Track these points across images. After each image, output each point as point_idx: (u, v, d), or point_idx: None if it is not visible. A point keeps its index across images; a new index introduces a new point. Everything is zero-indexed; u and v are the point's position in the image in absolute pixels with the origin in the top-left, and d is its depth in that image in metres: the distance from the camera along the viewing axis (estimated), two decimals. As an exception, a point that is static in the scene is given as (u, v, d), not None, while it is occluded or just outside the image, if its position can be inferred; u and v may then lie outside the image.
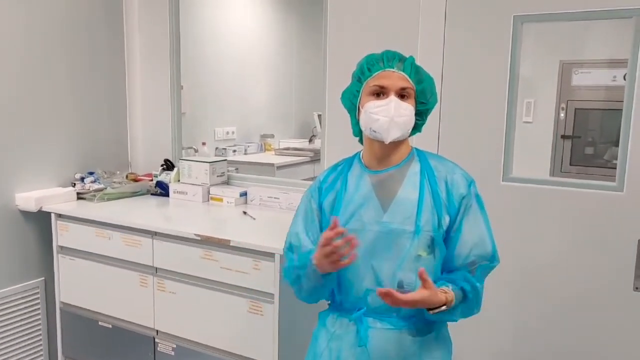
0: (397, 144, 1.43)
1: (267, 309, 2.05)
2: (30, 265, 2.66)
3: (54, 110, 2.71)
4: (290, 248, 1.53)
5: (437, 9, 2.22)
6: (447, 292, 1.36)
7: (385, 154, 1.45)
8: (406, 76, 1.40)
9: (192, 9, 3.32)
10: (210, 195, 2.75)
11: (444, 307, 1.35)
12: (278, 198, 2.62)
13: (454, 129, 2.24)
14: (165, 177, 2.90)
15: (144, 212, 2.59)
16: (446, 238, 1.43)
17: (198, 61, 3.53)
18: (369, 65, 1.42)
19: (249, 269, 2.07)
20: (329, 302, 1.57)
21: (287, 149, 4.30)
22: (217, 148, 3.83)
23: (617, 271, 2.02)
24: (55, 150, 2.74)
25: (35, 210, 2.55)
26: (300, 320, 2.03)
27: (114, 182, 2.84)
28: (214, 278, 2.16)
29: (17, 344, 2.61)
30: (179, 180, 2.85)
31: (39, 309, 2.70)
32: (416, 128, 1.47)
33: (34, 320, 2.68)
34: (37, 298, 2.69)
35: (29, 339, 2.67)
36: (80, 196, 2.70)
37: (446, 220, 1.42)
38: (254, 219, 2.43)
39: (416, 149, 1.52)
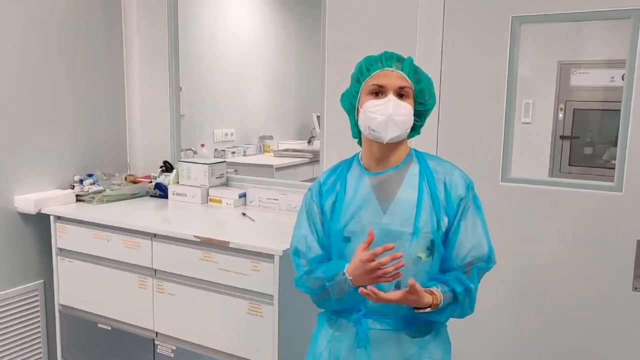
0: (395, 145, 1.43)
1: (266, 310, 2.05)
2: (29, 268, 2.66)
3: (53, 112, 2.71)
4: (296, 252, 1.52)
5: (435, 10, 2.22)
6: (434, 294, 1.35)
7: (384, 155, 1.45)
8: (404, 75, 1.40)
9: (190, 10, 3.32)
10: (209, 197, 2.75)
11: (428, 309, 1.35)
12: (277, 199, 2.62)
13: (452, 129, 2.25)
14: (164, 178, 2.90)
15: (143, 214, 2.58)
16: (444, 239, 1.43)
17: (197, 63, 3.53)
18: (367, 66, 1.43)
19: (248, 270, 2.07)
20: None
21: (286, 150, 4.30)
22: (216, 150, 3.83)
23: (616, 271, 2.02)
24: (54, 153, 2.74)
25: (34, 213, 2.55)
26: (300, 321, 2.03)
27: (113, 184, 2.84)
28: (213, 280, 2.16)
29: (16, 346, 2.61)
30: (178, 182, 2.86)
31: (38, 311, 2.69)
32: (415, 130, 1.47)
33: (33, 323, 2.68)
34: (37, 300, 2.69)
35: (28, 341, 2.66)
36: (79, 198, 2.70)
37: (445, 221, 1.42)
38: (253, 220, 2.43)
39: (415, 150, 1.52)
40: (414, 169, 1.46)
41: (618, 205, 2.00)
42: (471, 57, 2.19)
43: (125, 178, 2.96)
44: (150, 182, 2.94)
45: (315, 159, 3.78)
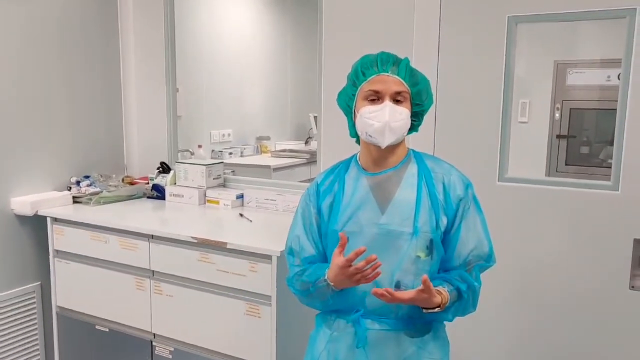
0: (393, 145, 1.44)
1: (264, 311, 2.05)
2: (26, 270, 2.66)
3: (49, 114, 2.70)
4: (291, 252, 1.54)
5: (431, 9, 2.23)
6: (442, 293, 1.36)
7: (381, 155, 1.45)
8: (401, 80, 1.40)
9: (187, 11, 3.32)
10: (206, 198, 2.75)
11: (437, 309, 1.36)
12: (274, 200, 2.61)
13: (449, 129, 2.25)
14: (161, 180, 2.90)
15: (140, 215, 2.58)
16: (444, 239, 1.44)
17: (194, 64, 3.52)
18: (363, 69, 1.43)
19: (245, 271, 2.07)
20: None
21: (283, 151, 4.30)
22: (213, 150, 3.82)
23: (614, 270, 2.03)
24: (51, 154, 2.73)
25: (31, 214, 2.55)
26: (298, 322, 2.03)
27: (110, 186, 2.83)
28: (211, 280, 2.16)
29: (13, 349, 2.60)
30: (175, 183, 2.85)
31: (35, 313, 2.69)
32: (412, 128, 1.47)
33: (30, 325, 2.67)
34: (34, 302, 2.68)
35: (25, 343, 2.66)
36: (76, 200, 2.69)
37: (444, 221, 1.42)
38: (251, 221, 2.43)
39: (413, 150, 1.52)
40: (412, 169, 1.46)
41: (615, 204, 2.00)
42: (468, 57, 2.20)
43: (122, 179, 2.95)
44: (147, 183, 2.94)
45: (312, 159, 3.78)
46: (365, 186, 1.46)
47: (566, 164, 2.70)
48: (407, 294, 1.31)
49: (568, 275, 2.11)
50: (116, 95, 3.06)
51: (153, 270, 2.31)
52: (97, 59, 2.92)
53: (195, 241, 2.15)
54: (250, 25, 4.28)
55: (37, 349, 2.72)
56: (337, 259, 1.33)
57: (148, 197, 2.89)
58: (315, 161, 2.60)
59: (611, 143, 2.03)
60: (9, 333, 2.58)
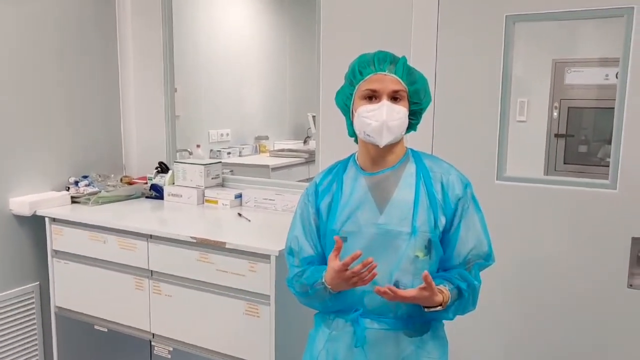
0: (391, 145, 1.44)
1: (263, 310, 2.05)
2: (25, 270, 2.65)
3: (47, 114, 2.70)
4: (290, 252, 1.54)
5: (429, 9, 2.23)
6: (443, 292, 1.36)
7: (380, 155, 1.45)
8: (398, 79, 1.40)
9: (185, 11, 3.32)
10: (205, 198, 2.75)
11: (439, 308, 1.36)
12: (273, 200, 2.61)
13: (447, 128, 2.25)
14: (159, 180, 2.89)
15: (139, 215, 2.58)
16: (443, 239, 1.44)
17: (192, 63, 3.52)
18: (360, 68, 1.43)
19: (245, 271, 2.07)
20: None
21: (282, 150, 4.30)
22: (211, 150, 3.82)
23: (612, 269, 2.03)
24: (49, 154, 2.73)
25: (29, 215, 2.54)
26: (297, 321, 2.03)
27: (108, 186, 2.83)
28: (210, 280, 2.16)
29: (12, 349, 2.60)
30: (173, 183, 2.85)
31: (34, 313, 2.68)
32: (410, 127, 1.47)
33: (29, 325, 2.67)
34: (32, 303, 2.68)
35: (24, 344, 2.65)
36: (74, 200, 2.69)
37: (442, 221, 1.42)
38: (249, 220, 2.43)
39: (411, 149, 1.52)
40: (411, 168, 1.46)
41: (613, 203, 2.01)
42: (466, 56, 2.20)
43: (121, 179, 2.95)
44: (146, 183, 2.94)
45: (311, 159, 3.78)
46: (363, 186, 1.46)
47: (564, 163, 2.71)
48: (409, 292, 1.31)
49: (566, 273, 2.11)
50: (114, 95, 3.06)
51: (152, 270, 2.31)
52: (95, 59, 2.92)
53: (194, 241, 2.15)
54: (249, 25, 4.28)
55: (36, 349, 2.71)
56: (333, 263, 1.34)
57: (146, 197, 2.89)
58: (314, 161, 2.60)
59: (609, 142, 2.03)
60: (8, 333, 2.58)
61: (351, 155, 1.55)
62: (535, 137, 2.59)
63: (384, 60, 1.42)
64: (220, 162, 2.92)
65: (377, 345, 1.43)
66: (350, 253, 1.34)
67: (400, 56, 1.45)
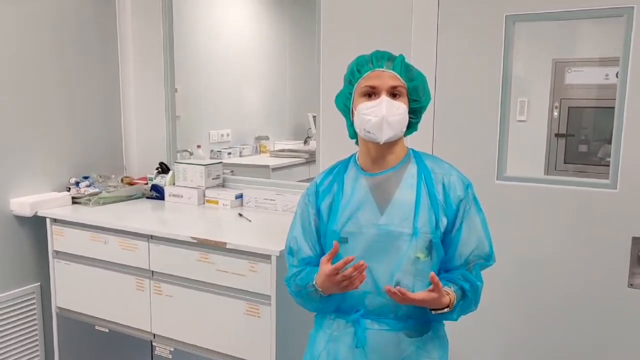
0: (392, 144, 1.43)
1: (264, 310, 2.05)
2: (26, 271, 2.66)
3: (48, 114, 2.70)
4: (290, 252, 1.55)
5: (429, 9, 2.23)
6: (449, 293, 1.37)
7: (380, 155, 1.45)
8: (396, 75, 1.40)
9: (185, 11, 3.32)
10: (205, 198, 2.75)
11: (446, 310, 1.36)
12: (274, 200, 2.62)
13: (448, 128, 2.25)
14: (160, 180, 2.90)
15: (140, 215, 2.58)
16: (444, 240, 1.44)
17: (192, 64, 3.52)
18: (358, 67, 1.43)
19: (245, 271, 2.07)
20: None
21: (282, 150, 4.30)
22: (212, 150, 3.82)
23: (612, 268, 2.03)
24: (50, 155, 2.73)
25: (30, 215, 2.55)
26: (298, 322, 2.03)
27: (109, 186, 2.83)
28: (211, 281, 2.16)
29: (13, 349, 2.60)
30: (174, 184, 2.85)
31: (35, 314, 2.69)
32: (411, 127, 1.47)
33: (30, 326, 2.67)
34: (33, 303, 2.68)
35: (25, 344, 2.66)
36: (75, 200, 2.69)
37: (443, 222, 1.42)
38: (250, 221, 2.43)
39: (412, 150, 1.52)
40: (412, 169, 1.46)
41: (613, 203, 2.01)
42: (466, 56, 2.20)
43: (122, 180, 2.95)
44: (147, 183, 2.94)
45: (311, 159, 3.78)
46: (364, 187, 1.46)
47: (565, 163, 2.71)
48: (418, 295, 1.31)
49: (567, 273, 2.11)
50: (115, 95, 3.06)
51: (153, 271, 2.31)
52: (95, 59, 2.92)
53: (195, 241, 2.15)
54: (249, 26, 4.28)
55: (37, 350, 2.72)
56: (325, 267, 1.34)
57: (147, 198, 2.89)
58: (314, 161, 2.60)
59: (609, 141, 2.03)
60: (9, 334, 2.58)
61: (352, 156, 1.55)
62: (536, 136, 2.58)
63: (382, 57, 1.42)
64: (220, 162, 2.93)
65: (377, 346, 1.43)
66: (350, 254, 1.34)
67: (397, 55, 1.45)
